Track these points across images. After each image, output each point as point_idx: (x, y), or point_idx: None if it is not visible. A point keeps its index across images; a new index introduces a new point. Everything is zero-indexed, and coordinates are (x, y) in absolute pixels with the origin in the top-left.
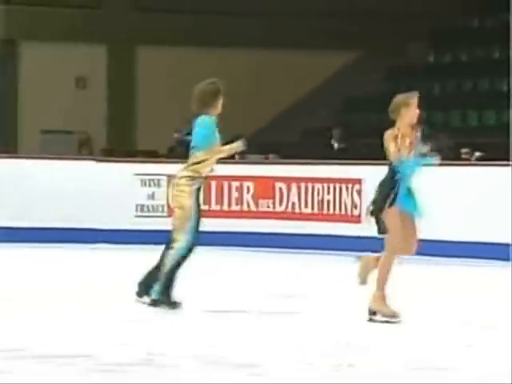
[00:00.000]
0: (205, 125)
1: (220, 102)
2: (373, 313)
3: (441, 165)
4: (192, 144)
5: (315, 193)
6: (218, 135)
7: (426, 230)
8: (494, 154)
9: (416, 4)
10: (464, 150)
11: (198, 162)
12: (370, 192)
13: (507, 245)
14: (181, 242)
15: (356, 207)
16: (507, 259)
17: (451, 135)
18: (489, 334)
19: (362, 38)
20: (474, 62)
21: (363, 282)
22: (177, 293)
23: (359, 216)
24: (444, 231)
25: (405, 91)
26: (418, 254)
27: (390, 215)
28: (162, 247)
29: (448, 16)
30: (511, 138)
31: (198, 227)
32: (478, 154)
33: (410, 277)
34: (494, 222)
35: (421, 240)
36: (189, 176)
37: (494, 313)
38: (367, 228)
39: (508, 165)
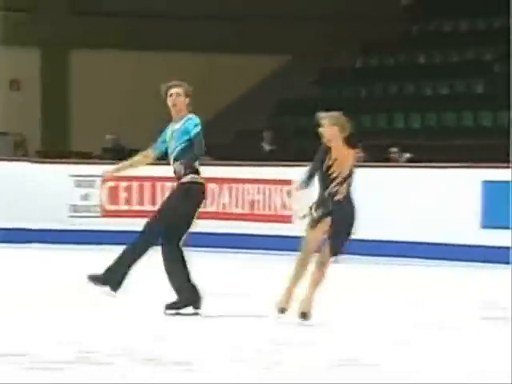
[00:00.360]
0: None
1: None
2: (305, 315)
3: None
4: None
5: (246, 193)
6: None
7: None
8: (419, 156)
9: (345, 9)
10: (393, 150)
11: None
12: (300, 193)
13: (440, 244)
14: None
15: (286, 208)
16: (441, 258)
17: (378, 137)
18: (424, 332)
19: (293, 42)
20: (400, 66)
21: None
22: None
23: (290, 216)
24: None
25: (334, 95)
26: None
27: None
28: (97, 247)
29: (375, 22)
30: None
31: None
32: (407, 155)
33: (344, 276)
34: (432, 222)
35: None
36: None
37: (430, 311)
38: (297, 228)
39: (435, 167)
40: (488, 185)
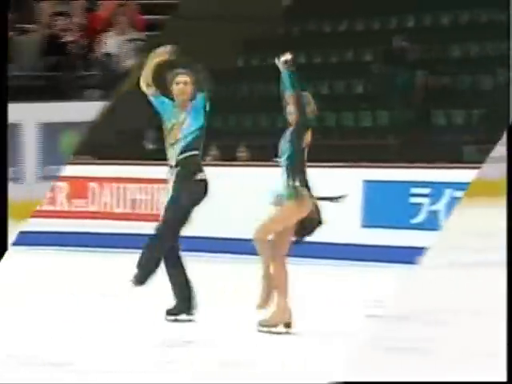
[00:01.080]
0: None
1: None
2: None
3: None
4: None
5: (128, 193)
6: None
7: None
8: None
9: (226, 9)
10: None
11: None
12: None
13: (322, 243)
14: None
15: None
16: (323, 257)
17: (261, 137)
18: (308, 331)
19: (174, 41)
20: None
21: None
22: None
23: None
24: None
25: (216, 94)
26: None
27: None
28: None
29: (256, 22)
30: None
31: None
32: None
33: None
34: None
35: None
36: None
37: (312, 310)
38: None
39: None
40: (368, 184)
